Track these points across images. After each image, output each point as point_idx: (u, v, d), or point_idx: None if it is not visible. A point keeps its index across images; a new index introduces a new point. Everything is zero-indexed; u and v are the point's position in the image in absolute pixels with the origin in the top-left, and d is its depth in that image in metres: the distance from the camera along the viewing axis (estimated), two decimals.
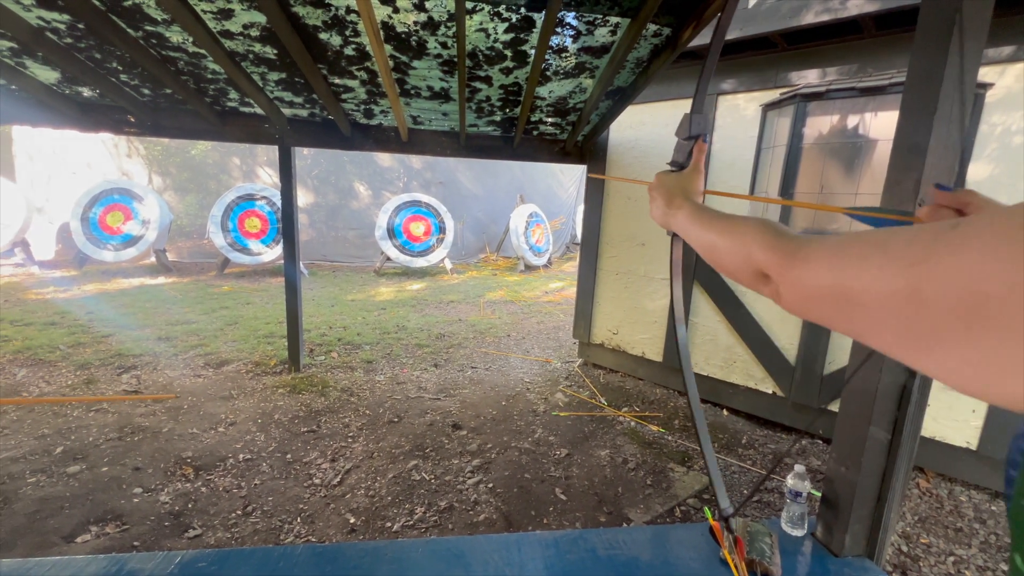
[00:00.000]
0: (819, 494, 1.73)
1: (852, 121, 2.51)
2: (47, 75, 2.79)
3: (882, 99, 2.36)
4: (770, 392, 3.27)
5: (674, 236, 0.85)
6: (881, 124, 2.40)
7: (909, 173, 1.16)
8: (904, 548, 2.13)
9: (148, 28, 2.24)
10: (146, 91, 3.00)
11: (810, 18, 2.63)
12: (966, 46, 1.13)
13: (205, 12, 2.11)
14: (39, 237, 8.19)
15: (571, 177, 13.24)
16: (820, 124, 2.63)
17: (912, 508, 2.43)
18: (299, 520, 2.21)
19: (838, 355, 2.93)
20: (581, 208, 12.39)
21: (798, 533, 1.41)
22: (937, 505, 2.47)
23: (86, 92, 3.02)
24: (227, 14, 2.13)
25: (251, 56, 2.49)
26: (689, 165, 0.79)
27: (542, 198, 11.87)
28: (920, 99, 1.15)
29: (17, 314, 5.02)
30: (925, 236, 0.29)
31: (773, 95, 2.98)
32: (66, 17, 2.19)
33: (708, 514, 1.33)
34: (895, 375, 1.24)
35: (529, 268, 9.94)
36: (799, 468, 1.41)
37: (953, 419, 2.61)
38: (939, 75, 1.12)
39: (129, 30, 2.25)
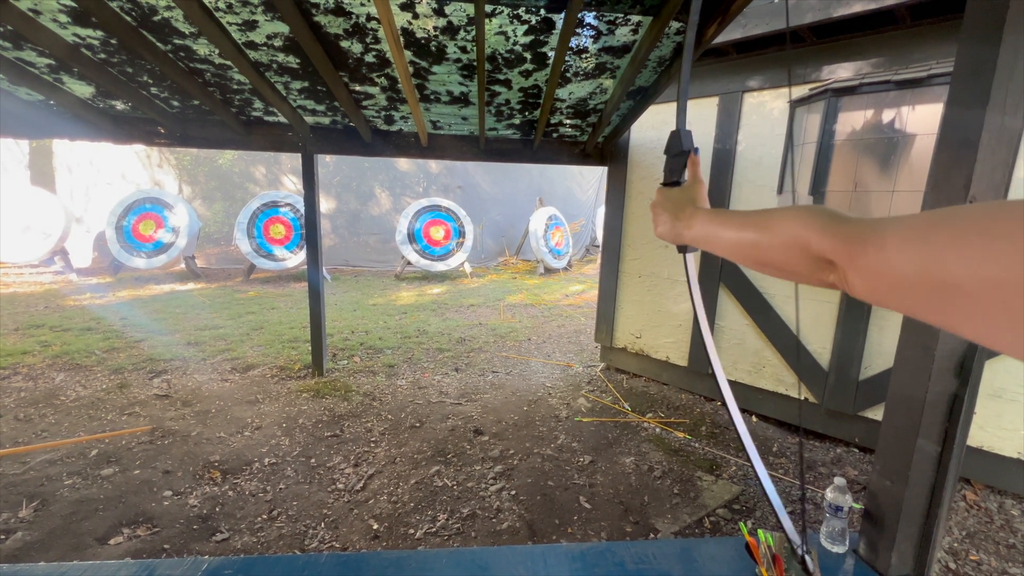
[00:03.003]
0: (860, 507, 1.65)
1: (888, 116, 2.40)
2: (82, 90, 2.90)
3: (921, 92, 2.25)
4: (802, 398, 3.15)
5: (686, 252, 0.82)
6: (920, 118, 2.28)
7: (958, 169, 1.09)
8: (952, 565, 2.01)
9: (176, 41, 2.30)
10: (175, 103, 3.09)
11: (841, 10, 2.53)
12: (1021, 30, 1.06)
13: (231, 24, 2.15)
14: (77, 246, 8.53)
15: (591, 179, 13.15)
16: (853, 120, 2.53)
17: (959, 523, 2.29)
18: (323, 525, 2.22)
19: (875, 359, 2.81)
20: (601, 210, 12.28)
21: (839, 550, 1.33)
22: (986, 519, 2.33)
23: (119, 105, 3.12)
24: (251, 25, 2.17)
25: (275, 66, 2.54)
26: (687, 179, 0.79)
27: (561, 201, 11.82)
28: (970, 90, 1.08)
29: (56, 320, 5.23)
30: None
31: (802, 91, 2.88)
32: (99, 33, 2.27)
33: (743, 529, 1.27)
34: (945, 383, 1.17)
35: (549, 271, 9.89)
36: (839, 481, 1.34)
37: (1003, 428, 2.46)
38: (991, 64, 1.05)
39: (159, 44, 2.32)
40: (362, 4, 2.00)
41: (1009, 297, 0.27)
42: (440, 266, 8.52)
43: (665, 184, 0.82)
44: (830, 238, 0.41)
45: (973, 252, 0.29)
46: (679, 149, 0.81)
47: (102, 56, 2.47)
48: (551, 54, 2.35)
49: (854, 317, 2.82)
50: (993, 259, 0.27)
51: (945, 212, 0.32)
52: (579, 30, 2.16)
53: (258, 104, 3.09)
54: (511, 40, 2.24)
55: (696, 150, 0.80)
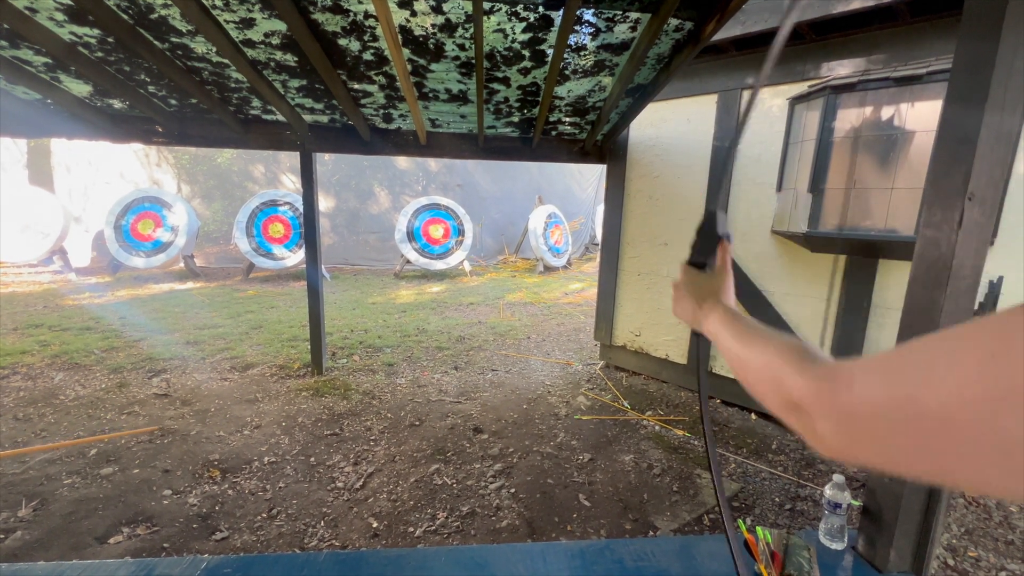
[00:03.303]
0: (858, 503, 1.65)
1: (886, 112, 2.40)
2: (80, 88, 2.88)
3: (920, 88, 2.25)
4: None
5: (699, 337, 0.78)
6: (919, 115, 2.28)
7: (957, 166, 1.09)
8: (951, 562, 2.02)
9: (174, 40, 2.29)
10: (173, 101, 3.08)
11: (841, 7, 2.53)
12: (1020, 28, 1.05)
13: (228, 22, 2.14)
14: (76, 245, 8.52)
15: (590, 177, 13.14)
16: (852, 117, 2.53)
17: (958, 519, 2.30)
18: (323, 524, 2.22)
19: None
20: (600, 208, 12.28)
21: (837, 546, 1.34)
22: (985, 516, 2.33)
23: (117, 104, 3.11)
24: (249, 23, 2.16)
25: (272, 64, 2.53)
26: (715, 264, 0.75)
27: (560, 199, 11.81)
28: (968, 87, 1.08)
29: (55, 319, 5.22)
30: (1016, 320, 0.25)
31: (801, 88, 2.87)
32: (96, 32, 2.26)
33: (742, 526, 1.27)
34: None
35: (548, 269, 9.89)
36: (838, 478, 1.34)
37: None
38: (990, 60, 1.05)
39: (156, 42, 2.31)
40: (360, 1, 2.00)
41: (1002, 416, 0.24)
42: (439, 264, 8.52)
43: (690, 263, 0.78)
44: (798, 377, 0.39)
45: (955, 372, 0.26)
46: (712, 231, 0.75)
47: (99, 54, 2.46)
48: (550, 52, 2.34)
49: (853, 314, 2.82)
50: (976, 378, 0.25)
51: (916, 340, 0.30)
52: (578, 27, 2.16)
53: (256, 102, 3.08)
54: (509, 37, 2.23)
55: (729, 237, 0.75)
